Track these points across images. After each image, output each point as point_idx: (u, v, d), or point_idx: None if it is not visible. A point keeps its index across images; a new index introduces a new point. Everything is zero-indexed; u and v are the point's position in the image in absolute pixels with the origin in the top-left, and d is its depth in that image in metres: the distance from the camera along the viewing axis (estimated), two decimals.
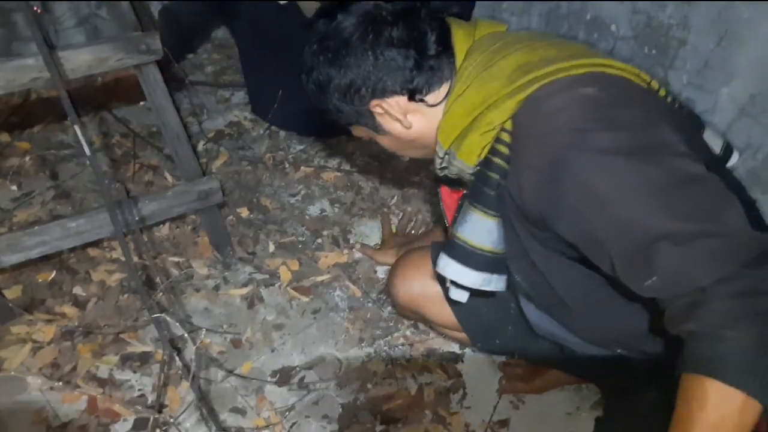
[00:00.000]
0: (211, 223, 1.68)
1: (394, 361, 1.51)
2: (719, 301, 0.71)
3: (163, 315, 1.22)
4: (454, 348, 1.56)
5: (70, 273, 1.62)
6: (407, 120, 0.99)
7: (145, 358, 1.45)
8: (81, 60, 1.31)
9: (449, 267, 1.03)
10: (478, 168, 0.95)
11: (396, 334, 1.57)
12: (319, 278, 1.69)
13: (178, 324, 1.27)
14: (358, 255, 1.77)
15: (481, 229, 0.98)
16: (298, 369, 1.47)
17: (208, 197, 1.57)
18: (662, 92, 0.99)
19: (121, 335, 1.49)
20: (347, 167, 2.07)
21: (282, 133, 2.18)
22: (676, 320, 0.76)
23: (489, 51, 0.96)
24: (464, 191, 1.07)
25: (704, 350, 0.72)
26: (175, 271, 1.65)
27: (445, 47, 0.98)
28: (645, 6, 1.88)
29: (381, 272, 1.73)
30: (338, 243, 1.80)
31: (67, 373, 1.40)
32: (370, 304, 1.64)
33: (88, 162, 1.96)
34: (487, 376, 1.50)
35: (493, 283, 1.03)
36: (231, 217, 1.83)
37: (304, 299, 1.63)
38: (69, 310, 1.53)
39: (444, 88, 0.98)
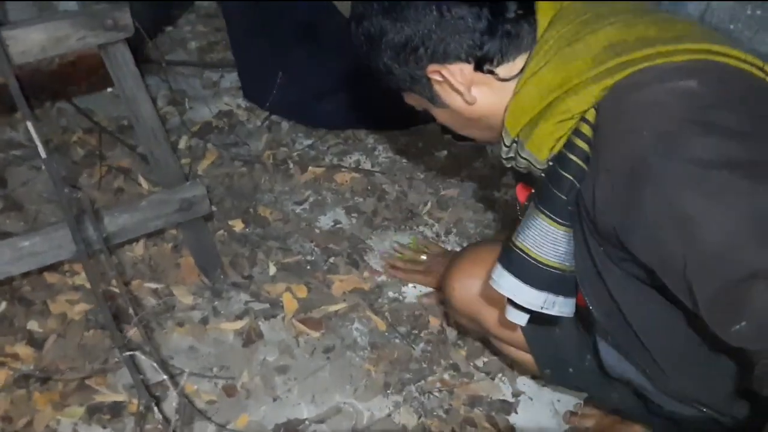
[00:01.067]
0: (197, 240, 1.73)
1: (429, 412, 1.53)
2: None
3: (136, 352, 1.27)
4: (506, 394, 1.58)
5: (24, 304, 1.68)
6: (471, 94, 1.03)
7: (116, 410, 1.50)
8: (33, 40, 1.36)
9: (504, 280, 1.05)
10: (550, 164, 0.98)
11: (431, 378, 1.60)
12: (333, 308, 1.72)
13: (156, 366, 1.31)
14: (381, 277, 1.80)
15: (545, 239, 1.01)
16: (307, 423, 1.50)
17: (192, 208, 1.61)
18: None
19: (87, 381, 1.53)
20: (367, 166, 2.11)
21: (285, 125, 2.23)
22: (765, 380, 0.78)
23: (576, 22, 0.99)
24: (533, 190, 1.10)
25: None
26: (152, 301, 1.70)
27: (528, 11, 1.01)
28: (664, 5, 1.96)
29: (410, 296, 1.76)
30: (356, 263, 1.84)
31: (22, 428, 1.45)
32: (397, 340, 1.67)
33: (43, 166, 2.02)
34: (548, 430, 1.52)
35: (557, 306, 1.06)
36: (221, 232, 1.88)
37: (314, 334, 1.67)
38: (23, 350, 1.59)
39: (520, 61, 1.01)
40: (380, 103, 2.16)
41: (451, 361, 1.63)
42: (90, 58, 2.28)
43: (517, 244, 1.04)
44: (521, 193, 1.22)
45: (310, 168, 2.08)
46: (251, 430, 1.48)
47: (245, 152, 2.13)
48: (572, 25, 0.98)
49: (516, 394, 1.59)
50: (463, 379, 1.60)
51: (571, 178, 0.95)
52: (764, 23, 1.94)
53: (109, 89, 2.28)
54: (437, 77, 1.03)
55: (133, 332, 1.60)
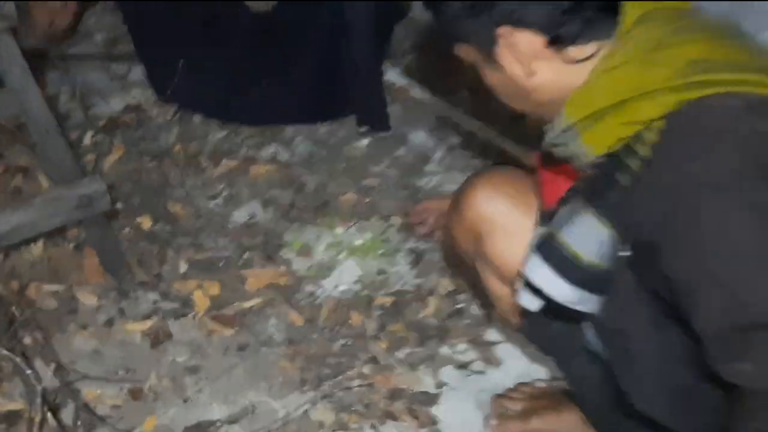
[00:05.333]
0: (100, 239, 1.74)
1: (347, 407, 1.56)
2: None
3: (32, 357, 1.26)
4: (428, 386, 1.61)
5: None
6: (531, 66, 1.05)
7: (13, 419, 1.49)
8: None
9: (540, 272, 1.10)
10: (603, 161, 1.02)
11: (350, 372, 1.62)
12: (247, 304, 1.74)
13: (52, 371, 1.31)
14: (301, 272, 1.83)
15: (590, 237, 1.06)
16: (219, 423, 1.51)
17: (91, 204, 1.62)
18: None
19: None
20: (285, 157, 2.14)
21: (197, 118, 2.24)
22: (750, 412, 0.89)
23: (665, 28, 1.01)
24: (574, 181, 1.15)
25: None
26: (53, 303, 1.70)
27: (612, 3, 1.04)
28: None
29: (330, 290, 1.80)
30: (272, 257, 1.86)
31: None
32: (315, 336, 1.70)
33: None
34: (471, 421, 1.56)
35: (589, 304, 1.11)
36: (128, 230, 1.89)
37: (227, 332, 1.69)
38: None
39: (590, 48, 1.03)
40: (298, 96, 2.22)
41: (370, 355, 1.66)
42: None
43: (560, 238, 1.08)
44: (547, 176, 1.27)
45: (223, 161, 2.10)
46: None
47: (155, 147, 2.14)
48: (660, 30, 1.01)
49: (439, 386, 1.62)
50: (384, 372, 1.63)
51: (627, 181, 0.99)
52: None
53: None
54: (503, 40, 1.04)
55: (23, 335, 1.59)
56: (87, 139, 2.13)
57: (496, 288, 1.45)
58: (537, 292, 1.14)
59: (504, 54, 1.06)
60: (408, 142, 2.24)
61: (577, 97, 1.03)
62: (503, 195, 1.38)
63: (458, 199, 1.45)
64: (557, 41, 1.02)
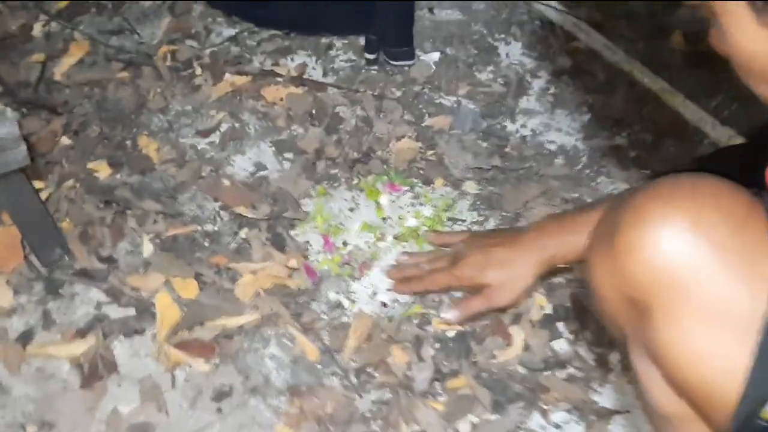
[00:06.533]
0: (18, 204, 1.22)
1: None
2: None
3: None
4: None
5: None
6: None
7: None
8: None
9: None
10: None
11: None
12: (235, 320, 1.25)
13: None
14: (322, 266, 1.31)
15: None
16: None
17: None
18: None
19: None
20: (317, 75, 1.62)
21: (198, 6, 1.72)
22: None
23: None
24: None
25: None
26: None
27: None
28: None
29: (363, 302, 1.27)
30: (281, 242, 1.33)
31: None
32: (334, 382, 1.19)
33: None
34: None
35: None
36: (71, 182, 1.38)
37: (201, 367, 1.20)
38: None
39: None
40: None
41: (416, 427, 1.15)
42: None
43: None
44: None
45: (227, 75, 1.59)
46: None
47: (132, 46, 1.63)
48: None
49: None
50: None
51: None
52: None
53: None
54: None
55: None
56: (37, 29, 1.63)
57: (659, 398, 0.88)
58: None
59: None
60: (498, 58, 1.64)
61: None
62: (707, 242, 0.79)
63: (615, 230, 0.84)
64: None
